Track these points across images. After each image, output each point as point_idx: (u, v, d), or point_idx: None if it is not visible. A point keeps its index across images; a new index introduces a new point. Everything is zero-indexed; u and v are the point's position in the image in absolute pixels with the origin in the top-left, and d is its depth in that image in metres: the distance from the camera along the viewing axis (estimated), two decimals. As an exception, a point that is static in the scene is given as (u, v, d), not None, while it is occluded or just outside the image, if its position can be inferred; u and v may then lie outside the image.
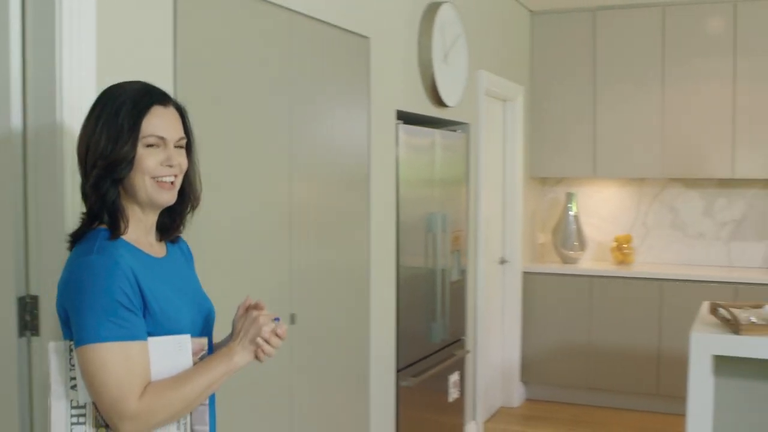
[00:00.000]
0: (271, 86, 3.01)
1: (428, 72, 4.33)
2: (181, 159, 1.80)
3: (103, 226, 1.76)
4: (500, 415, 5.86)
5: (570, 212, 6.23)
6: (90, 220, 1.77)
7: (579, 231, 6.23)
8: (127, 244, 1.75)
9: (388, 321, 4.03)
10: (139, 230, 1.81)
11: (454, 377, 4.82)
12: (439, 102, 4.49)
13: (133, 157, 1.72)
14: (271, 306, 2.88)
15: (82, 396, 1.73)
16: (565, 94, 6.20)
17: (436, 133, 4.48)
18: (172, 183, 1.78)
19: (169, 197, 1.80)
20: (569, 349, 5.99)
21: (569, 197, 6.26)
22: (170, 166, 1.77)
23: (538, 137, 6.26)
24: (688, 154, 5.94)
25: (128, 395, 1.65)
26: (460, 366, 4.90)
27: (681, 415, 3.71)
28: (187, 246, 2.02)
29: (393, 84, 4.01)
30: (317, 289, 3.33)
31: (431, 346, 4.48)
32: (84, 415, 1.75)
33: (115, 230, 1.74)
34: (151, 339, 1.72)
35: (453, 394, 4.82)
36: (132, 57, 2.37)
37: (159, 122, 1.75)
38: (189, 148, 1.85)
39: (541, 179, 6.57)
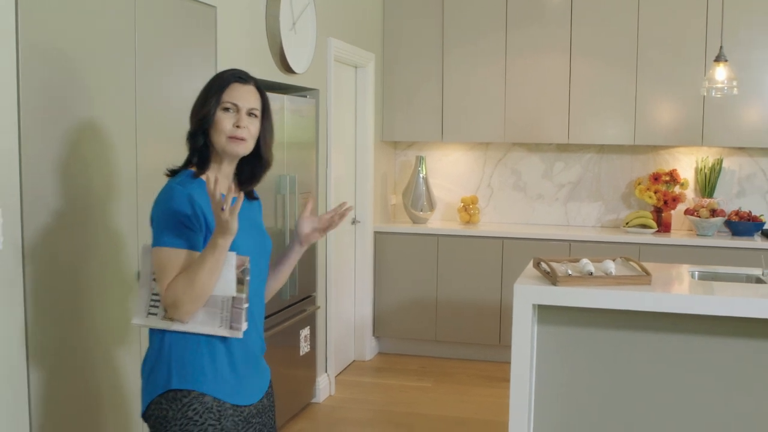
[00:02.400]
0: (115, 55, 3.11)
1: (276, 40, 4.49)
2: (250, 124, 2.32)
3: (192, 168, 2.34)
4: (352, 368, 6.15)
5: (420, 175, 6.53)
6: (186, 162, 2.37)
7: (428, 193, 6.54)
8: (204, 184, 2.26)
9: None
10: (220, 177, 2.33)
11: (305, 332, 5.05)
12: (287, 69, 4.66)
13: (213, 116, 2.29)
14: (113, 267, 3.01)
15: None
16: (415, 61, 6.48)
17: (285, 99, 4.65)
18: (242, 139, 2.30)
19: (240, 149, 2.32)
20: (418, 304, 6.33)
21: (419, 160, 6.56)
22: (239, 127, 2.29)
23: (390, 103, 6.52)
24: (528, 121, 6.32)
25: None
26: (310, 321, 5.13)
27: (507, 360, 4.02)
28: (261, 206, 2.58)
29: (240, 52, 4.15)
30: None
31: (282, 302, 4.68)
32: (158, 302, 2.28)
33: (198, 169, 2.32)
34: None
35: (304, 348, 5.05)
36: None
37: (235, 93, 2.31)
38: (265, 120, 2.39)
39: (392, 143, 6.84)
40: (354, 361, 6.31)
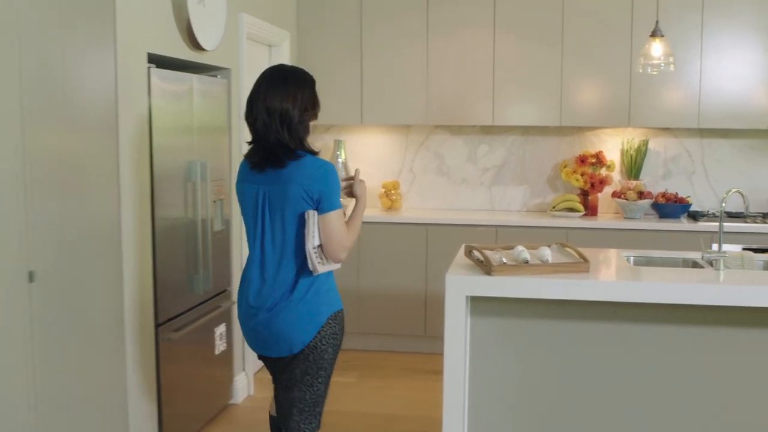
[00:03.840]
0: (-5, 23, 2.73)
1: (183, 15, 4.12)
2: None
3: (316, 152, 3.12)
4: (272, 364, 5.83)
5: (339, 160, 6.24)
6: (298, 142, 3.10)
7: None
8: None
9: (144, 275, 3.84)
10: None
11: (220, 329, 4.72)
12: (196, 46, 4.30)
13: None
14: (7, 263, 2.60)
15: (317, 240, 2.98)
16: (332, 40, 6.16)
17: (194, 78, 4.29)
18: None
19: None
20: (341, 294, 6.02)
21: (338, 145, 6.26)
22: None
23: (306, 84, 6.18)
24: (451, 102, 6.08)
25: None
26: (226, 317, 4.80)
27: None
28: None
29: (143, 26, 3.78)
30: (61, 244, 3.10)
31: (194, 298, 4.34)
32: (321, 253, 2.98)
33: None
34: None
35: (220, 346, 4.72)
36: None
37: None
38: None
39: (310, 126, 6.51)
40: (273, 356, 5.98)
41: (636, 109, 5.86)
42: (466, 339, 3.54)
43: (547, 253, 3.64)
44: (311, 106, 3.06)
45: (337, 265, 3.05)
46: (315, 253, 2.94)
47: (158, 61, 3.99)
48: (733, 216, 5.88)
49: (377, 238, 5.95)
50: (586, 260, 3.60)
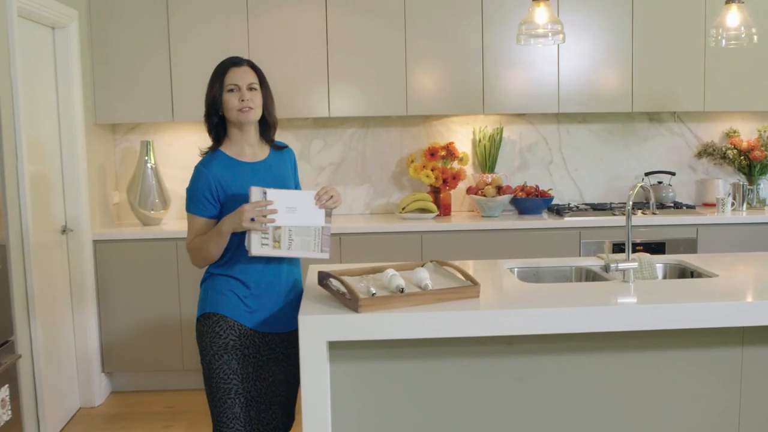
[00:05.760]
0: None
1: None
2: (253, 96, 2.92)
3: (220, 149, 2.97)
4: (78, 419, 4.74)
5: (148, 164, 5.21)
6: (210, 146, 2.99)
7: (160, 186, 5.24)
8: (226, 157, 2.93)
9: None
10: (243, 146, 2.96)
11: (2, 393, 3.62)
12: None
13: (220, 98, 2.91)
14: None
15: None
16: (132, 21, 5.10)
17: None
18: (249, 108, 2.89)
19: (250, 117, 2.91)
20: (158, 327, 5.03)
21: (145, 146, 5.23)
22: (242, 101, 2.88)
23: (103, 75, 5.11)
24: (279, 91, 5.00)
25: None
26: (10, 377, 3.68)
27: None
28: (292, 154, 3.15)
29: None
30: None
31: (-42, 361, 3.24)
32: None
33: (213, 144, 2.98)
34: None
35: (3, 416, 3.63)
36: None
37: (233, 76, 2.92)
38: (264, 89, 2.99)
39: (110, 126, 5.44)
40: (80, 409, 4.90)
41: (490, 94, 5.18)
42: (325, 390, 2.69)
43: (425, 277, 2.85)
44: (205, 96, 2.98)
45: (283, 252, 2.83)
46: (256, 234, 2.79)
47: None
48: (597, 209, 5.32)
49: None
50: (474, 282, 2.83)
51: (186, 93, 5.11)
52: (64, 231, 4.71)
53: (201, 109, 5.13)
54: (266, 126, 3.01)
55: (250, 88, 2.92)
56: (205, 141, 3.03)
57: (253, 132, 2.98)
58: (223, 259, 2.91)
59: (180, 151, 5.50)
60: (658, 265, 3.55)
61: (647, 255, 3.53)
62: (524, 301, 2.78)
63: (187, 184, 2.95)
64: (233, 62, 2.95)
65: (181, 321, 5.01)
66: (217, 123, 2.95)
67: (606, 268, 3.05)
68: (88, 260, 4.87)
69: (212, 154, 2.93)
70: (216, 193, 2.87)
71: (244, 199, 2.80)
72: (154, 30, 5.10)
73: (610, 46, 5.22)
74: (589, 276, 3.50)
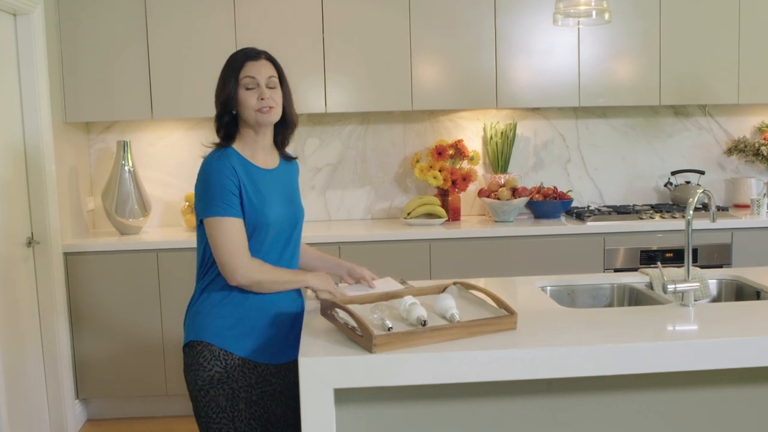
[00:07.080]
0: None
1: None
2: (273, 94, 2.58)
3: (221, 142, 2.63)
4: (47, 454, 4.24)
5: (125, 167, 4.71)
6: (219, 143, 2.61)
7: (139, 191, 4.74)
8: (241, 158, 2.55)
9: None
10: (256, 149, 2.62)
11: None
12: None
13: (236, 96, 2.55)
14: None
15: None
16: (105, 9, 4.59)
17: None
18: (270, 108, 2.56)
19: (272, 118, 2.58)
20: (138, 348, 4.52)
21: (122, 147, 4.72)
22: (262, 99, 2.54)
23: (72, 67, 4.59)
24: None
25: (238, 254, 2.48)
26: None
27: None
28: (298, 167, 2.84)
29: None
30: None
31: None
32: None
33: (225, 142, 2.58)
34: None
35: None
36: None
37: (251, 70, 2.56)
38: (283, 85, 2.64)
39: (83, 125, 4.93)
40: (50, 440, 4.40)
41: (505, 86, 4.69)
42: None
43: (451, 305, 2.35)
44: (217, 94, 2.64)
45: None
46: None
47: None
48: (620, 212, 4.84)
49: (184, 267, 4.46)
50: (510, 312, 2.34)
51: (166, 88, 4.60)
52: (30, 243, 4.19)
53: (182, 106, 4.67)
54: (284, 125, 2.69)
55: (269, 85, 2.59)
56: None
57: (269, 135, 2.66)
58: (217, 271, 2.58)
59: (161, 152, 4.99)
60: (710, 281, 3.08)
61: (700, 270, 3.05)
62: (572, 333, 2.29)
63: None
64: (249, 55, 2.60)
65: (163, 341, 4.51)
66: (227, 121, 2.60)
67: (663, 289, 2.56)
68: (58, 275, 4.36)
69: (224, 151, 2.54)
70: (239, 191, 2.51)
71: (262, 213, 2.55)
72: (130, 17, 4.58)
73: (636, 33, 4.74)
74: (633, 295, 3.02)
